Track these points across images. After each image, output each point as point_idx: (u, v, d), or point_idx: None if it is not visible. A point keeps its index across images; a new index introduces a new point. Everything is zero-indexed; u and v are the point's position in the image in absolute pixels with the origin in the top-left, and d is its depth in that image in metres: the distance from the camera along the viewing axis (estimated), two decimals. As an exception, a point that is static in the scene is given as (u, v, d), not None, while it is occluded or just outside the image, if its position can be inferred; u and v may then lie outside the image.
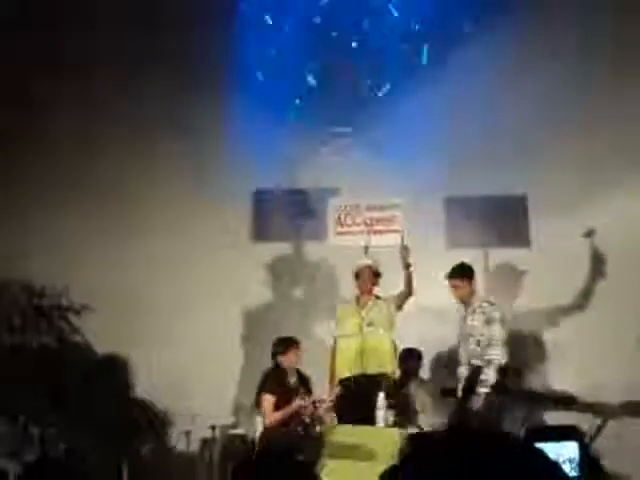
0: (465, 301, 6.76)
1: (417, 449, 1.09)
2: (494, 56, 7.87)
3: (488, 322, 6.55)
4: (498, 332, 6.54)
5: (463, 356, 6.67)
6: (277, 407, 6.43)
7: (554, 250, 7.70)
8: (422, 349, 7.40)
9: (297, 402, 6.37)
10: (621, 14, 8.00)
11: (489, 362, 6.48)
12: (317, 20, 8.23)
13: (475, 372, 6.48)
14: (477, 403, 6.42)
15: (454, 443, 1.06)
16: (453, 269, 6.81)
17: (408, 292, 6.88)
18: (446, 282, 6.82)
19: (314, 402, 6.44)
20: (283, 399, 6.45)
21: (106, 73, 7.98)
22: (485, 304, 6.67)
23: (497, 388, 6.45)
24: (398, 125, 8.02)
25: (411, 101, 8.01)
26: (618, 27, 7.93)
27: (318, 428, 6.30)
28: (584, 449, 2.46)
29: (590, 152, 7.78)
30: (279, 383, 6.54)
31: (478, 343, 6.53)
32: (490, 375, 6.46)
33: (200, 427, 7.27)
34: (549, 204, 7.86)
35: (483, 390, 6.44)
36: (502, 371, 6.52)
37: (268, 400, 6.46)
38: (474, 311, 6.64)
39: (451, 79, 7.90)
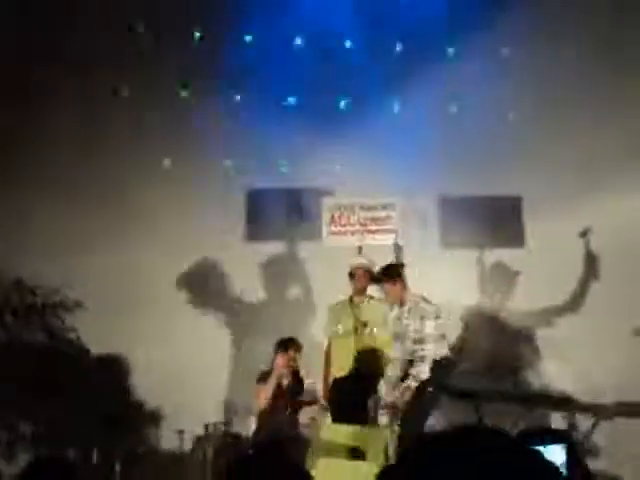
0: (400, 301, 6.62)
1: (413, 449, 1.09)
2: (491, 56, 7.87)
3: (422, 318, 6.45)
4: (431, 327, 6.42)
5: (399, 357, 6.62)
6: (268, 410, 6.46)
7: (549, 250, 7.71)
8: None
9: (276, 371, 6.43)
10: (621, 14, 8.01)
11: (422, 357, 6.39)
12: (312, 19, 8.23)
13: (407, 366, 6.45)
14: (406, 396, 6.37)
15: (450, 443, 1.06)
16: (381, 272, 6.69)
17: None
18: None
19: (290, 363, 6.49)
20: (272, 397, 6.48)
21: (106, 73, 7.96)
22: (419, 300, 6.55)
23: (434, 384, 6.38)
24: (393, 125, 8.02)
25: (406, 101, 8.01)
26: (618, 27, 7.93)
27: (311, 427, 6.30)
28: (572, 452, 2.44)
29: (586, 153, 7.78)
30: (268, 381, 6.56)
31: (414, 341, 6.48)
32: (423, 370, 6.36)
33: (193, 425, 7.27)
34: (544, 205, 7.87)
35: (413, 384, 6.36)
36: (443, 367, 6.45)
37: (258, 388, 6.52)
38: (409, 310, 6.54)
39: (446, 79, 7.90)
